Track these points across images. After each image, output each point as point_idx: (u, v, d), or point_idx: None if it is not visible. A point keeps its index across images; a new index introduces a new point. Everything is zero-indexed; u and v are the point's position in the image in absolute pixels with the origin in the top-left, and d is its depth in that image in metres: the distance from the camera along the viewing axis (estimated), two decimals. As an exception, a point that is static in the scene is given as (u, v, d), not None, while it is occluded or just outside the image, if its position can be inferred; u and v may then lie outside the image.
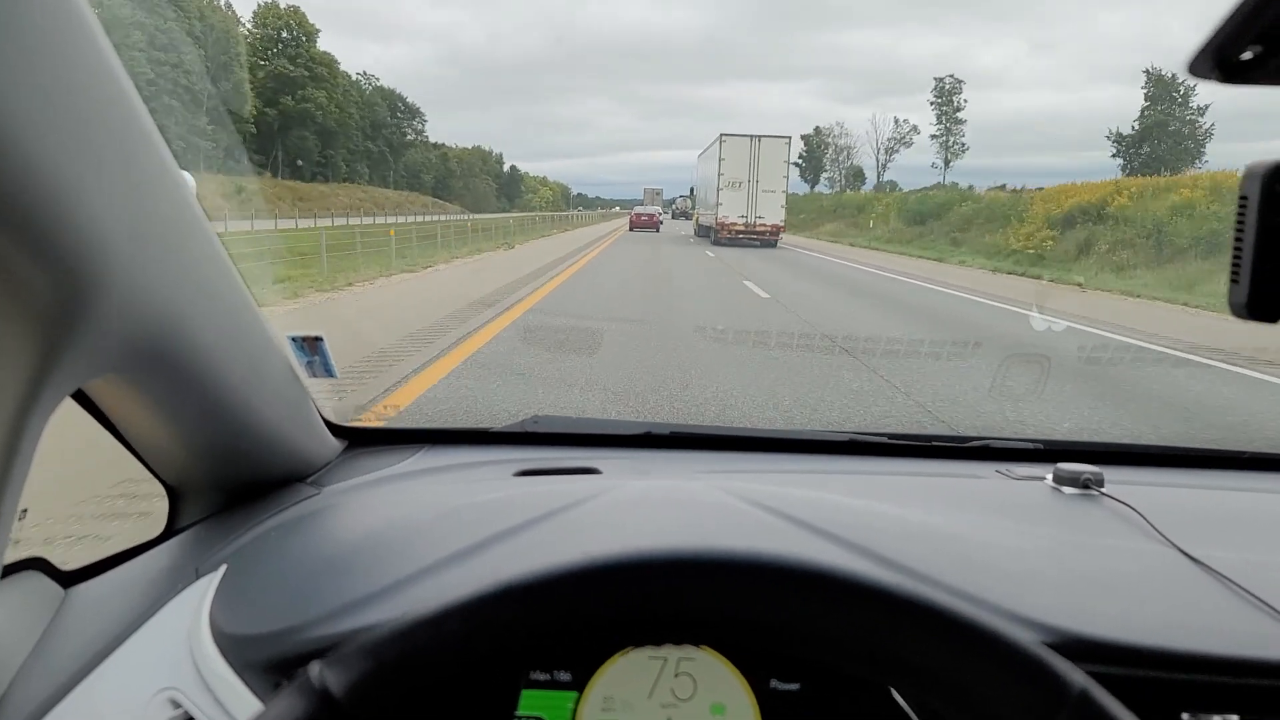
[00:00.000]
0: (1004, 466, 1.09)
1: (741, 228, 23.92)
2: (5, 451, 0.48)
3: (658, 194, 66.51)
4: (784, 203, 24.07)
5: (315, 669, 0.44)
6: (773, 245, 23.80)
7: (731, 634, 0.47)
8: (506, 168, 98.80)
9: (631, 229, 34.59)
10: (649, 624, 0.47)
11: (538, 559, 0.47)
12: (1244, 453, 1.17)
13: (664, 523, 0.77)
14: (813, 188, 73.91)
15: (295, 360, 0.95)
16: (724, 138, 24.30)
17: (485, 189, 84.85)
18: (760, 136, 24.16)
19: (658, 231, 34.77)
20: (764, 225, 23.95)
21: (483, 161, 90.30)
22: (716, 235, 24.04)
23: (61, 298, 0.48)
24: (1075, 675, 0.44)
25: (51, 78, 0.44)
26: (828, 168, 68.32)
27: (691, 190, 36.97)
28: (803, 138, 75.71)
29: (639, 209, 39.51)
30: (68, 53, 0.46)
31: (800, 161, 73.99)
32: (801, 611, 0.46)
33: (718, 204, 23.96)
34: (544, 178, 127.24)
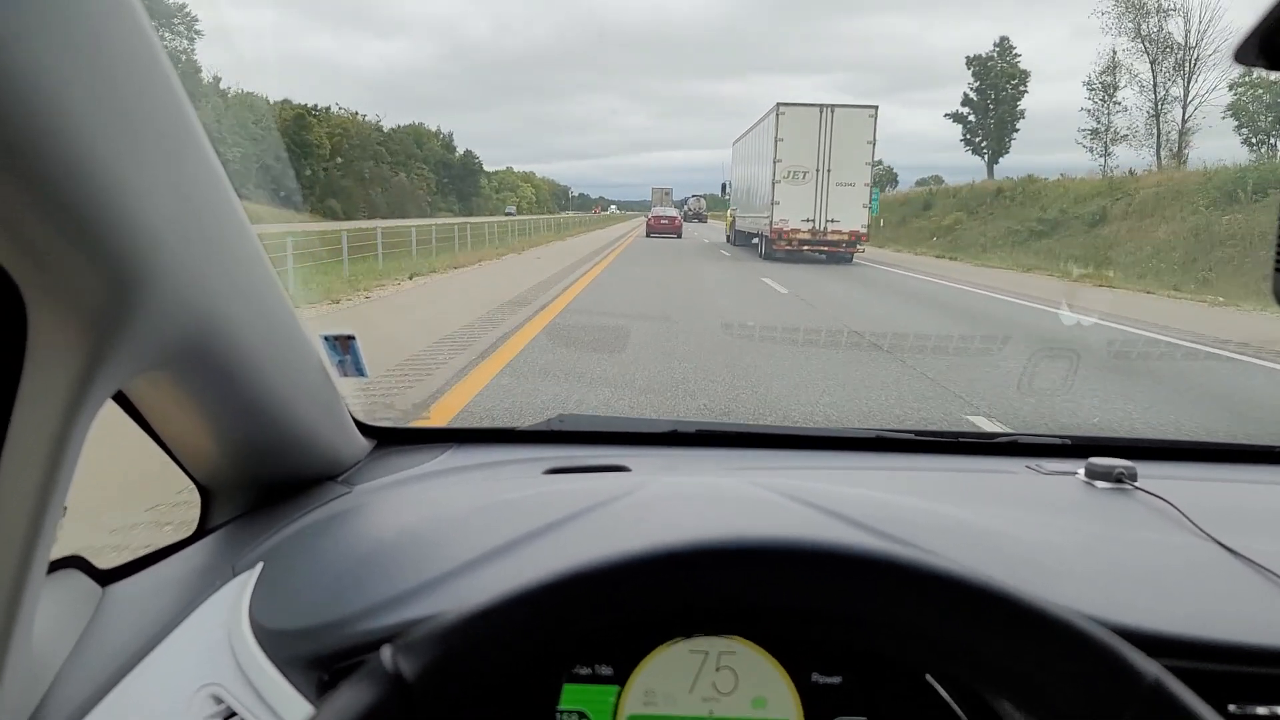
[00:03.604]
0: (1033, 462, 1.22)
1: (807, 235, 20.74)
2: (54, 449, 0.56)
3: (666, 194, 66.54)
4: (867, 200, 20.92)
5: (387, 654, 0.49)
6: (847, 261, 20.79)
7: (796, 625, 0.54)
8: (459, 154, 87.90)
9: (649, 235, 35.66)
10: (705, 614, 0.53)
11: (584, 553, 0.52)
12: (1277, 447, 1.32)
13: (707, 517, 0.89)
14: (992, 166, 45.41)
15: (328, 359, 1.07)
16: (782, 109, 21.25)
17: (407, 185, 71.68)
18: (834, 107, 21.28)
19: (679, 237, 35.35)
20: (838, 232, 20.72)
21: (416, 145, 79.36)
22: (770, 247, 21.03)
23: (112, 296, 0.56)
24: (1148, 666, 0.48)
25: (106, 81, 0.51)
26: (1106, 119, 37.33)
27: (724, 187, 32.33)
28: (970, 61, 46.22)
29: (656, 211, 40.43)
30: (120, 54, 0.53)
31: (966, 113, 46.15)
32: (872, 601, 0.52)
33: (773, 203, 20.82)
34: (530, 173, 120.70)
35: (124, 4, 0.53)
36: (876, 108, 20.65)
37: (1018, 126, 45.19)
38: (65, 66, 0.47)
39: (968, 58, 46.11)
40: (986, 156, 45.88)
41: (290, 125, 56.67)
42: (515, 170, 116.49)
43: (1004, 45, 45.38)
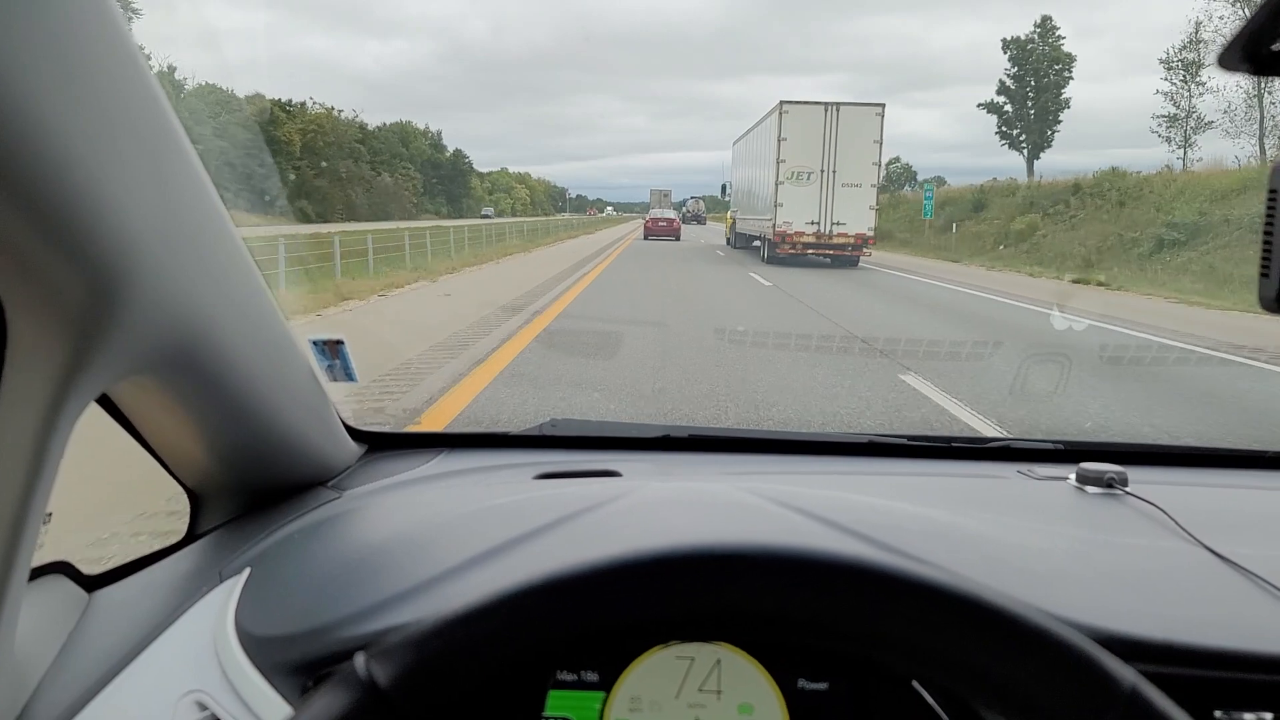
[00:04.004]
0: (1025, 467, 1.24)
1: (811, 238, 20.23)
2: (35, 454, 0.57)
3: (666, 196, 66.65)
4: (874, 202, 20.46)
5: (360, 660, 0.49)
6: (853, 264, 20.33)
7: (777, 632, 0.54)
8: (448, 153, 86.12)
9: (646, 237, 35.71)
10: (684, 621, 0.54)
11: (567, 558, 0.54)
12: (1267, 452, 1.33)
13: (693, 522, 0.90)
14: (1032, 162, 39.41)
15: (316, 364, 1.08)
16: (786, 107, 20.79)
17: (391, 186, 68.07)
18: (839, 105, 20.78)
19: (678, 239, 34.93)
20: (844, 235, 20.22)
21: (402, 143, 78.08)
22: (773, 250, 20.56)
23: (93, 299, 0.57)
24: (1125, 672, 0.50)
25: (85, 83, 0.52)
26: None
27: (724, 189, 31.82)
28: (1006, 44, 40.48)
29: (654, 213, 40.46)
30: (100, 59, 0.54)
31: (1002, 103, 39.96)
32: (853, 608, 0.53)
33: (777, 204, 20.31)
34: (525, 174, 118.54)
35: (106, 16, 0.54)
36: (883, 105, 20.38)
37: (1060, 117, 39.58)
38: (43, 70, 0.47)
39: (1004, 40, 40.87)
40: (1026, 151, 40.17)
41: (256, 120, 54.20)
42: (510, 171, 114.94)
43: (1045, 26, 39.55)
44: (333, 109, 65.43)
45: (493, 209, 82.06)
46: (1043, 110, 39.38)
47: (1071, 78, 39.36)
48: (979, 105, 41.56)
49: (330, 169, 59.54)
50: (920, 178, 56.99)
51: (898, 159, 62.46)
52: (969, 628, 0.51)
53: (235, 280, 0.78)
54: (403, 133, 79.87)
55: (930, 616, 0.51)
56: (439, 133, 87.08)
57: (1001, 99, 40.83)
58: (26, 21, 0.45)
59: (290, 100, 59.32)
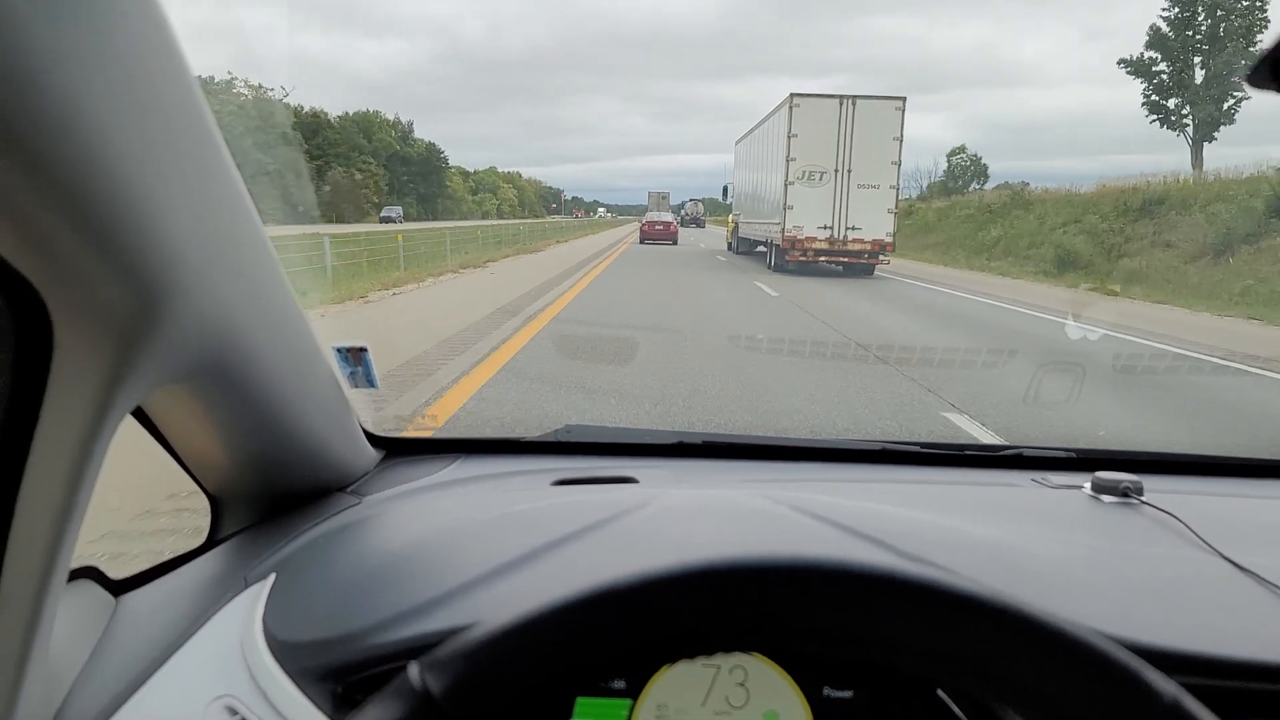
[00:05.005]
0: (1039, 475, 1.26)
1: (824, 244, 18.95)
2: (77, 462, 0.59)
3: (664, 198, 66.95)
4: (893, 205, 19.18)
5: (414, 670, 0.52)
6: (868, 273, 19.20)
7: (819, 643, 0.56)
8: (419, 146, 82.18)
9: (642, 241, 35.79)
10: (733, 632, 0.56)
11: (600, 568, 0.57)
12: None
13: (724, 533, 0.93)
14: (1201, 146, 27.73)
15: (339, 370, 1.10)
16: (797, 100, 19.34)
17: (344, 182, 63.18)
18: (855, 98, 19.20)
19: (675, 243, 34.82)
20: (860, 241, 18.90)
21: (364, 135, 74.42)
22: (780, 258, 19.39)
23: (137, 310, 0.59)
24: (1167, 685, 0.51)
25: (133, 95, 0.54)
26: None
27: (725, 190, 30.51)
28: None
29: (650, 216, 40.57)
30: (148, 70, 0.56)
31: (1154, 60, 27.53)
32: (902, 621, 0.55)
33: (785, 206, 19.02)
34: (515, 174, 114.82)
35: (155, 23, 0.56)
36: (904, 99, 19.11)
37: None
38: (93, 77, 0.48)
39: (1150, -14, 27.60)
40: (1190, 127, 27.49)
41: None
42: (498, 170, 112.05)
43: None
44: (260, 86, 61.47)
45: (399, 209, 67.54)
46: (1225, 66, 26.31)
47: (1268, 18, 26.10)
48: (1119, 62, 30.04)
49: (252, 161, 55.06)
50: (925, 184, 50.14)
51: (963, 148, 48.49)
52: (1013, 640, 0.52)
53: (267, 287, 0.80)
54: (365, 123, 75.77)
55: (976, 629, 0.52)
56: (410, 124, 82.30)
57: (1154, 54, 27.78)
58: (85, 39, 0.46)
59: (213, 78, 56.07)
